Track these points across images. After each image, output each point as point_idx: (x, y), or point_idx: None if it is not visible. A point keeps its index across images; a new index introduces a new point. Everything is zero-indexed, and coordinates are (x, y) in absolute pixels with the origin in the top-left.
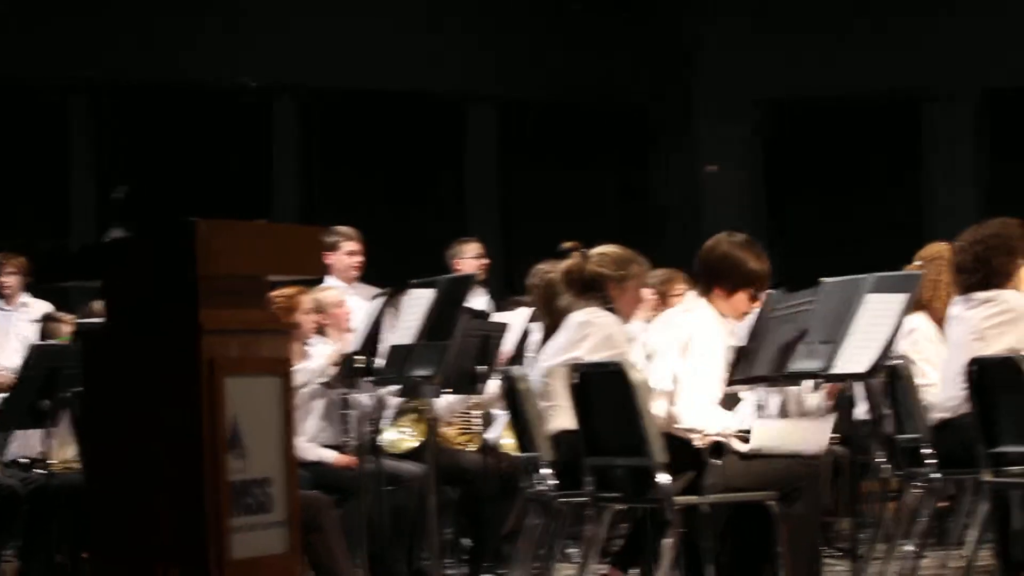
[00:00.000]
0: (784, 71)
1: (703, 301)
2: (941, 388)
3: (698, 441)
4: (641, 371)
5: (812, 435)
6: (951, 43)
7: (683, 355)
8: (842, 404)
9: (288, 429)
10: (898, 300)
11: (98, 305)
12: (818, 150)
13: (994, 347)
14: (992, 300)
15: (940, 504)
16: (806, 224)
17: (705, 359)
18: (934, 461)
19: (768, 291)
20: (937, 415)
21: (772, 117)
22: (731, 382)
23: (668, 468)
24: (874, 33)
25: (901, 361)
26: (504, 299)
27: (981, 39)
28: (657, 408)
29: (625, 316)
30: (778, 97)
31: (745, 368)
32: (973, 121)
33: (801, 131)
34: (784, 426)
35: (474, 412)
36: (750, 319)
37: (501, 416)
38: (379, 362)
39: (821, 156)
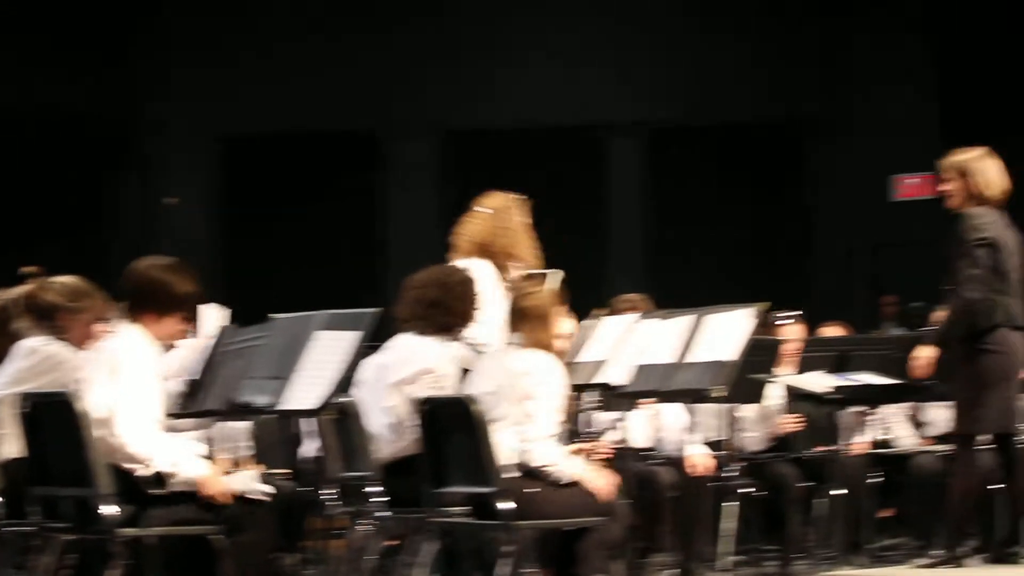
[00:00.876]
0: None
1: (132, 326)
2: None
3: (141, 471)
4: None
5: None
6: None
7: (113, 381)
8: (289, 440)
9: None
10: (349, 337)
11: None
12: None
13: None
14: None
15: (388, 543)
16: (261, 257)
17: (135, 383)
18: (382, 499)
19: (226, 325)
20: (386, 453)
21: (232, 153)
22: (181, 415)
23: (117, 499)
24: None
25: (350, 398)
26: None
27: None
28: (98, 437)
29: (77, 346)
30: (238, 134)
31: (196, 401)
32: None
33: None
34: None
35: None
36: (203, 351)
37: None
38: None
39: (278, 189)
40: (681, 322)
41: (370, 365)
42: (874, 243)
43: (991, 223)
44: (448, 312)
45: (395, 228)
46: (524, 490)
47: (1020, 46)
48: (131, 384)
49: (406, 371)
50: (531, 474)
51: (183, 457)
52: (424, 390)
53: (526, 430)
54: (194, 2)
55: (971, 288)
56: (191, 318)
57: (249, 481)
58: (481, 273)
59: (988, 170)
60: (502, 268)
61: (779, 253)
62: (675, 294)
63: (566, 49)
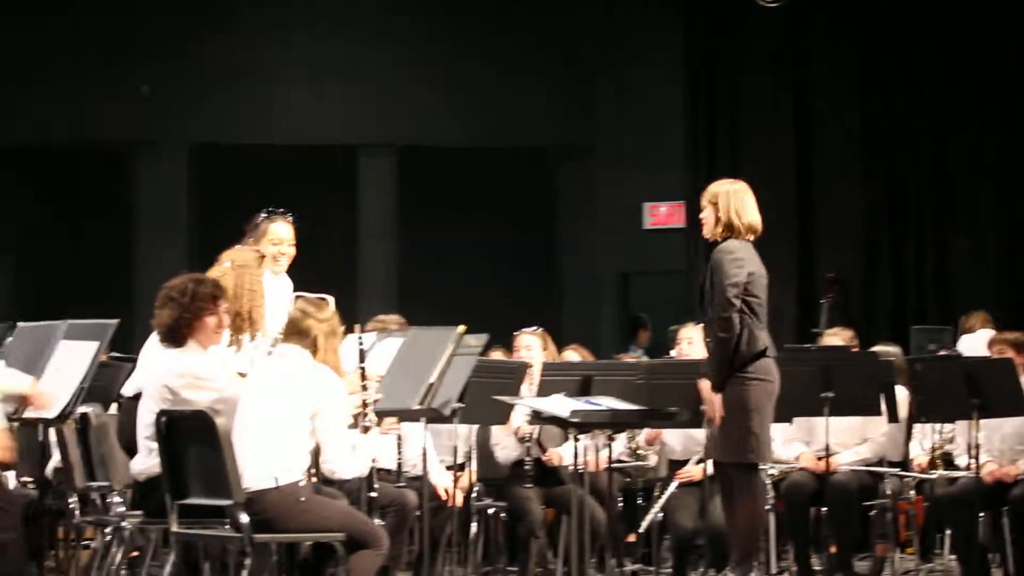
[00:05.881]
0: None
1: None
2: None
3: None
4: None
5: None
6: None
7: None
8: (36, 449)
9: None
10: (90, 347)
11: None
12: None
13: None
14: None
15: (132, 553)
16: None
17: None
18: (123, 510)
19: None
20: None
21: None
22: None
23: None
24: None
25: (93, 409)
26: None
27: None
28: None
29: None
30: None
31: None
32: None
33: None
34: None
35: None
36: None
37: None
38: None
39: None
40: (392, 342)
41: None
42: (625, 270)
43: (747, 257)
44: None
45: (146, 239)
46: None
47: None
48: None
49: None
50: (328, 484)
51: None
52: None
53: (324, 444)
54: None
55: (725, 326)
56: None
57: None
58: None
59: (743, 202)
60: (238, 330)
61: (529, 278)
62: (423, 316)
63: (319, 68)
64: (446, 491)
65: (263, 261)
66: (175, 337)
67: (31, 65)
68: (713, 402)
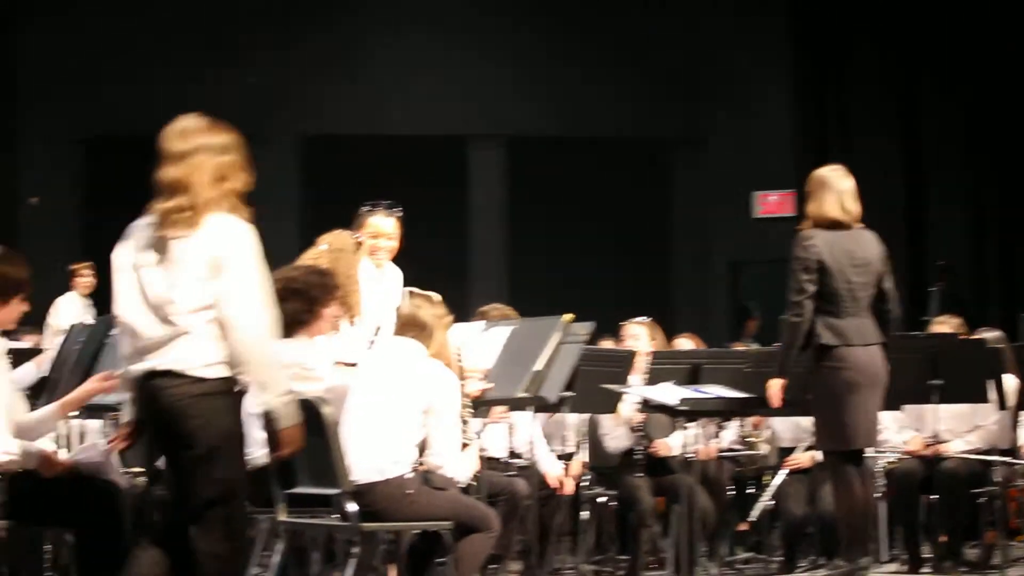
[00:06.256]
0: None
1: None
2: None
3: None
4: None
5: None
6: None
7: None
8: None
9: None
10: None
11: None
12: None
13: None
14: None
15: None
16: None
17: None
18: None
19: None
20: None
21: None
22: None
23: None
24: None
25: None
26: None
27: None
28: None
29: None
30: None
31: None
32: None
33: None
34: None
35: None
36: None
37: None
38: None
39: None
40: (499, 332)
41: None
42: (735, 259)
43: (821, 244)
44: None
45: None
46: (406, 491)
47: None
48: None
49: None
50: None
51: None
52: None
53: (434, 440)
54: None
55: (792, 314)
56: (28, 298)
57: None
58: None
59: (825, 189)
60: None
61: (640, 268)
62: (534, 306)
63: (431, 60)
64: (557, 480)
65: (361, 247)
66: (290, 329)
67: (141, 57)
68: (773, 386)
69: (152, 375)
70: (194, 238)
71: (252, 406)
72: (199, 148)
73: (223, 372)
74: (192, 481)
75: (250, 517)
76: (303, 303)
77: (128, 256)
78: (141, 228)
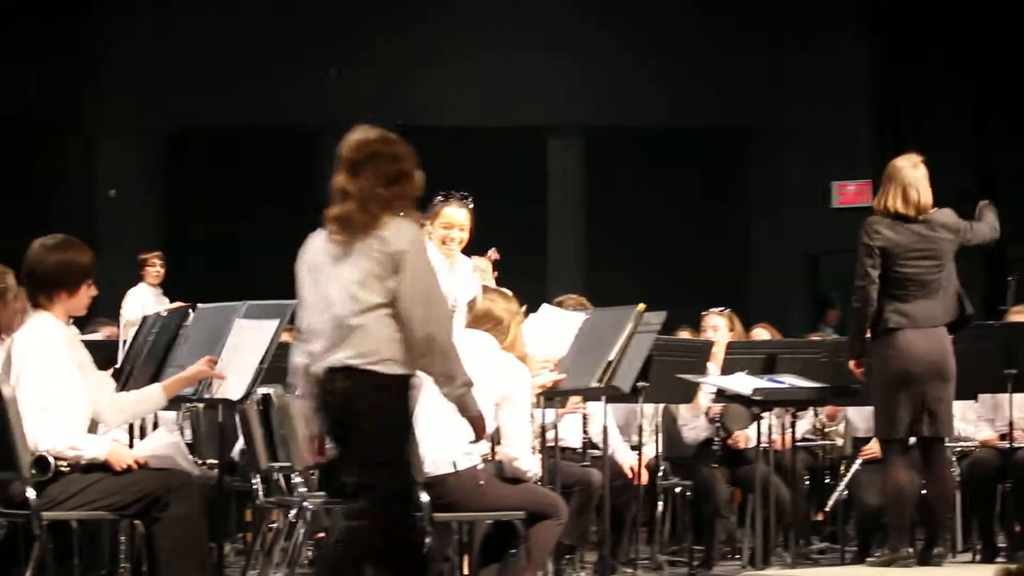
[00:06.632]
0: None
1: (43, 313)
2: None
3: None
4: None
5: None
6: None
7: (32, 376)
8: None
9: None
10: (269, 326)
11: None
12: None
13: None
14: None
15: (317, 535)
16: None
17: (35, 373)
18: (305, 490)
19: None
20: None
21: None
22: None
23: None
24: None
25: (274, 389)
26: None
27: None
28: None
29: (5, 329)
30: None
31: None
32: None
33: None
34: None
35: None
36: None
37: None
38: None
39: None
40: (572, 320)
41: None
42: (813, 250)
43: (884, 230)
44: None
45: None
46: (479, 482)
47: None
48: (48, 383)
49: None
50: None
51: (86, 441)
52: None
53: (508, 432)
54: None
55: (855, 298)
56: (95, 283)
57: (162, 447)
58: None
59: (892, 179)
60: None
61: (718, 258)
62: (612, 296)
63: (508, 50)
64: (631, 469)
65: (423, 230)
66: None
67: (222, 50)
68: (852, 369)
69: (332, 371)
70: (370, 241)
71: None
72: (373, 156)
73: (399, 369)
74: (363, 474)
75: (325, 508)
76: None
77: (310, 261)
78: (320, 235)
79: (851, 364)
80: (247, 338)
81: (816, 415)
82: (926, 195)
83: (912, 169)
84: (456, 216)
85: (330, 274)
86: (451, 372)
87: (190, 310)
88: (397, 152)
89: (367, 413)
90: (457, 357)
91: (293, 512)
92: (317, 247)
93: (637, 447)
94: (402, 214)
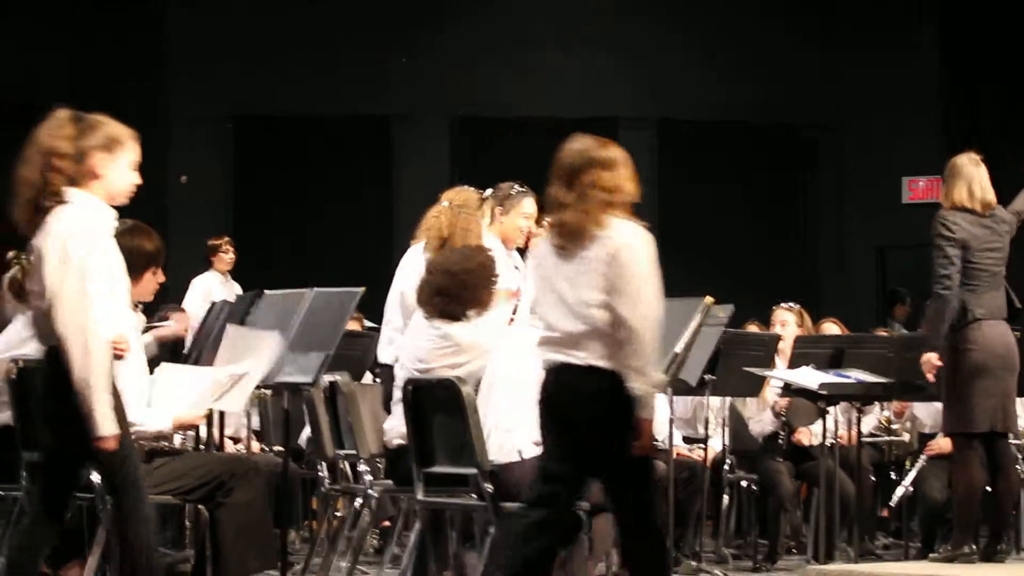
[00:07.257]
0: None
1: None
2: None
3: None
4: None
5: None
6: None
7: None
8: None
9: None
10: (336, 315)
11: None
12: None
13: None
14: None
15: (383, 523)
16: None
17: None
18: (370, 478)
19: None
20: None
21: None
22: None
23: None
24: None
25: (341, 377)
26: None
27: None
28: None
29: None
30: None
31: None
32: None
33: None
34: None
35: None
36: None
37: None
38: None
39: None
40: None
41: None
42: (882, 244)
43: (959, 223)
44: (453, 300)
45: (407, 211)
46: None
47: None
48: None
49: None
50: None
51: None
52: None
53: None
54: None
55: (940, 287)
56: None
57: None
58: None
59: (952, 176)
60: None
61: (787, 252)
62: (680, 289)
63: (579, 40)
64: (695, 460)
65: (483, 204)
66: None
67: (292, 36)
68: (928, 361)
69: (560, 367)
70: (593, 244)
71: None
72: (590, 162)
73: (615, 365)
74: (588, 468)
75: (391, 496)
76: (482, 280)
77: (540, 266)
78: (546, 242)
79: (929, 357)
80: (315, 325)
81: (883, 411)
82: (989, 191)
83: (973, 167)
84: (535, 209)
85: (562, 276)
86: (642, 368)
87: (257, 297)
88: (613, 157)
89: (591, 407)
90: (655, 358)
91: (359, 500)
92: (547, 253)
93: (703, 440)
94: (623, 217)
